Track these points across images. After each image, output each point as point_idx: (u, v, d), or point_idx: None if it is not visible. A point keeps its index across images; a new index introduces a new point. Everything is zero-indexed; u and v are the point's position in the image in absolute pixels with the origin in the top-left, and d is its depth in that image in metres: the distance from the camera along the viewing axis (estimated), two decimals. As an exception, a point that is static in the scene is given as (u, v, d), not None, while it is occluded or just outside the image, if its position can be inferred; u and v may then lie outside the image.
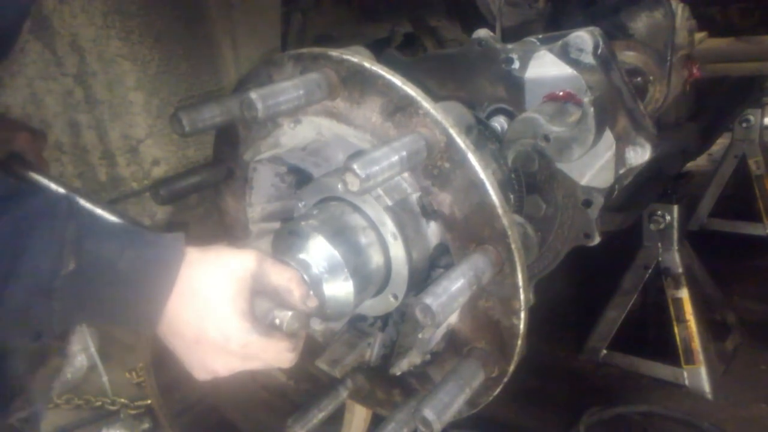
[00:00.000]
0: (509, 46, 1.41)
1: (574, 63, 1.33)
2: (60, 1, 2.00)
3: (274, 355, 1.11)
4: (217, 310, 1.07)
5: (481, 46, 1.43)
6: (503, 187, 1.37)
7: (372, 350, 1.37)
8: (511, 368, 1.20)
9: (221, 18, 2.50)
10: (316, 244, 1.19)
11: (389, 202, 1.23)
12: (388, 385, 1.42)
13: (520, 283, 1.13)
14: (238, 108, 1.27)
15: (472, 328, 1.23)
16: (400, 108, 1.18)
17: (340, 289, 1.19)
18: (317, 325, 1.46)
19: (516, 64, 1.39)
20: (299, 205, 1.36)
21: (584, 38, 1.33)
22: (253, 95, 1.12)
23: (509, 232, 1.12)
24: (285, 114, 1.25)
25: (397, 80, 1.18)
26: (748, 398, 3.40)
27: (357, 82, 1.22)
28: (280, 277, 1.15)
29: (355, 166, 1.02)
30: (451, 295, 1.04)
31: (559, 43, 1.36)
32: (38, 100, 1.99)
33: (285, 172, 1.48)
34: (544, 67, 1.36)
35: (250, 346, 1.08)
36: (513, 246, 1.12)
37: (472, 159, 1.13)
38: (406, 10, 3.35)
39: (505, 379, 1.22)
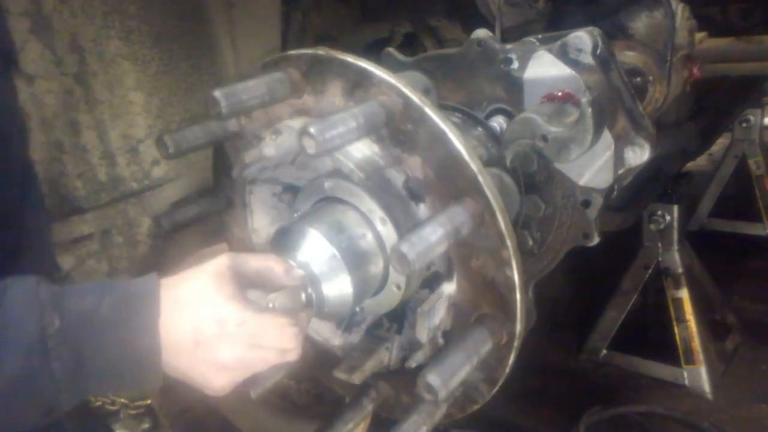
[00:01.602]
0: (508, 46, 1.41)
1: (572, 63, 1.33)
2: (60, 1, 2.00)
3: (276, 333, 1.08)
4: (204, 304, 1.07)
5: (480, 46, 1.43)
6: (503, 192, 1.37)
7: (390, 353, 1.36)
8: (518, 328, 1.16)
9: (221, 18, 2.50)
10: (312, 241, 1.19)
11: (361, 175, 1.22)
12: (411, 386, 1.39)
13: (503, 228, 1.11)
14: (220, 129, 1.37)
15: (471, 294, 1.21)
16: (357, 84, 1.21)
17: (339, 284, 1.19)
18: (336, 340, 1.44)
19: (515, 65, 1.39)
20: (294, 216, 1.37)
21: (583, 38, 1.33)
22: (217, 93, 1.16)
23: (479, 177, 1.11)
24: (250, 111, 1.29)
25: (350, 58, 1.21)
26: (748, 398, 3.40)
27: (317, 72, 1.26)
28: (258, 261, 1.15)
29: (311, 129, 1.05)
30: (427, 243, 1.02)
31: (558, 43, 1.36)
32: (38, 100, 1.99)
33: (281, 192, 1.48)
34: (543, 68, 1.36)
35: (248, 324, 1.06)
36: (487, 191, 1.10)
37: (430, 112, 1.14)
38: (406, 10, 3.35)
39: (516, 343, 1.17)
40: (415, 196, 1.24)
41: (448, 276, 1.24)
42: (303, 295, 1.17)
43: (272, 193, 1.48)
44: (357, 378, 1.34)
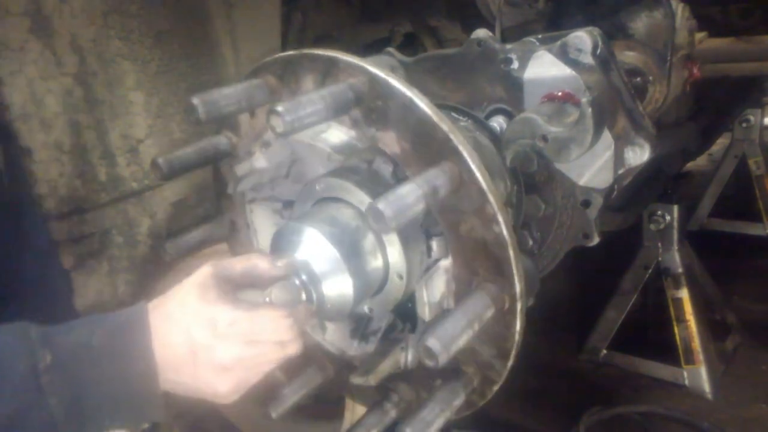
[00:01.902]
0: (508, 46, 1.41)
1: (572, 63, 1.33)
2: (60, 1, 2.00)
3: (270, 325, 1.08)
4: (191, 313, 1.06)
5: (480, 46, 1.43)
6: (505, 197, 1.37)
7: (406, 353, 1.35)
8: (517, 288, 1.13)
9: (221, 18, 2.50)
10: (310, 240, 1.18)
11: (339, 157, 1.24)
12: (428, 380, 1.37)
13: (483, 184, 1.10)
14: (212, 148, 1.40)
15: (465, 261, 1.19)
16: (327, 73, 1.23)
17: (340, 282, 1.18)
18: (352, 351, 1.43)
19: (515, 65, 1.39)
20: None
21: (583, 38, 1.33)
22: (195, 100, 1.18)
23: (452, 137, 1.10)
24: (228, 117, 1.31)
25: (317, 51, 1.23)
26: (748, 398, 3.40)
27: (290, 72, 1.28)
28: (241, 262, 1.16)
29: (279, 108, 1.06)
30: (404, 202, 1.02)
31: (558, 43, 1.35)
32: (38, 100, 1.99)
33: (281, 208, 1.48)
34: (543, 68, 1.36)
35: (239, 323, 1.06)
36: (461, 149, 1.10)
37: (395, 83, 1.14)
38: (406, 10, 3.35)
39: (519, 306, 1.14)
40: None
41: (444, 254, 1.23)
42: (298, 283, 1.16)
43: (273, 210, 1.49)
44: (372, 379, 1.32)
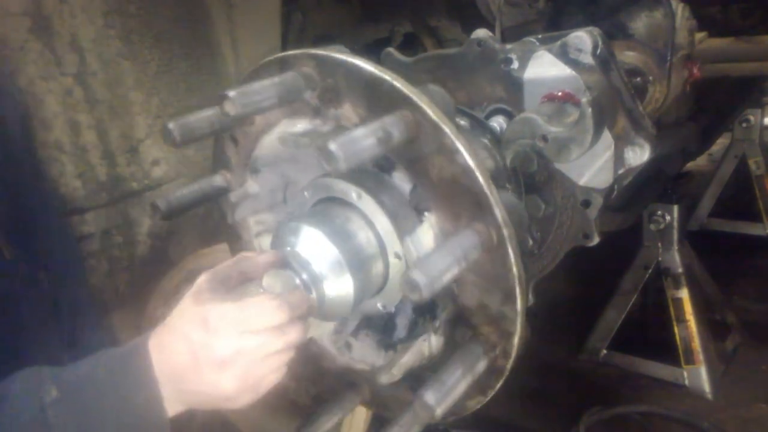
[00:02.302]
0: (508, 46, 1.41)
1: (573, 63, 1.33)
2: (60, 1, 2.00)
3: (263, 311, 1.06)
4: (186, 319, 1.07)
5: (480, 46, 1.42)
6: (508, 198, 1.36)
7: (429, 342, 1.33)
8: (498, 216, 1.08)
9: (221, 18, 2.50)
10: (309, 239, 1.18)
11: (306, 140, 1.25)
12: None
13: (435, 119, 1.08)
14: (208, 187, 1.43)
15: (446, 208, 1.16)
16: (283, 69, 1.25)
17: (340, 282, 1.18)
18: (381, 360, 1.40)
19: (515, 65, 1.38)
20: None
21: (583, 38, 1.33)
22: (171, 125, 1.21)
23: (396, 84, 1.10)
24: (202, 138, 1.32)
25: (271, 57, 1.27)
26: (748, 398, 3.40)
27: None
28: (234, 262, 1.16)
29: (229, 93, 1.08)
30: (358, 145, 1.01)
31: (558, 43, 1.35)
32: (38, 100, 1.99)
33: None
34: (543, 68, 1.35)
35: (229, 314, 1.05)
36: (405, 91, 1.09)
37: (335, 54, 1.16)
38: (406, 10, 3.36)
39: (506, 233, 1.09)
40: (385, 168, 1.25)
41: (426, 209, 1.21)
42: (295, 278, 1.15)
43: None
44: (397, 371, 1.30)
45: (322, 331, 1.42)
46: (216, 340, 1.05)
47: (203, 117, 1.28)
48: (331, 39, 3.16)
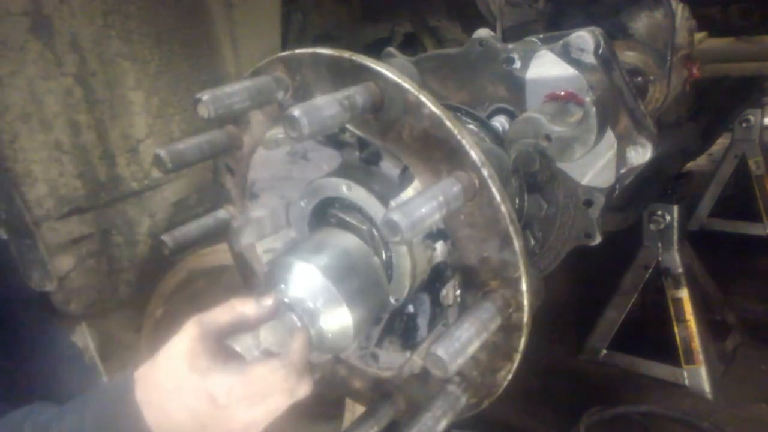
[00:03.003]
0: (510, 45, 1.41)
1: (575, 63, 1.33)
2: (60, 1, 2.00)
3: (270, 379, 1.03)
4: (188, 388, 1.02)
5: (482, 46, 1.42)
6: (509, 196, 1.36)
7: (447, 322, 1.32)
8: (474, 156, 1.07)
9: (221, 18, 2.50)
10: (302, 274, 1.16)
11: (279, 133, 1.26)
12: None
13: (390, 75, 1.08)
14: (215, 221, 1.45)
15: (425, 168, 1.14)
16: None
17: (337, 316, 1.16)
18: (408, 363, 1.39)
19: (517, 64, 1.38)
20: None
21: (585, 38, 1.33)
22: (161, 152, 1.23)
23: (345, 55, 1.12)
24: (193, 164, 1.33)
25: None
26: (748, 398, 3.40)
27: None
28: (226, 312, 1.12)
29: (203, 97, 1.10)
30: (320, 114, 1.02)
31: (560, 42, 1.35)
32: (38, 99, 1.98)
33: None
34: (545, 67, 1.35)
35: (237, 389, 1.02)
36: (363, 61, 1.10)
37: (298, 51, 1.17)
38: (406, 10, 3.35)
39: (485, 173, 1.07)
40: (372, 161, 1.26)
41: (408, 178, 1.20)
42: (294, 318, 1.13)
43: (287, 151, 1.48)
44: (419, 356, 1.30)
45: (348, 351, 1.39)
46: (227, 415, 1.02)
47: (194, 143, 1.30)
48: (331, 39, 3.16)
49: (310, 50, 1.17)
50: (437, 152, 1.10)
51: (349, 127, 1.17)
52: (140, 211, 2.33)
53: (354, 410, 2.49)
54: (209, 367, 1.03)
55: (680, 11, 1.87)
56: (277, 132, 1.33)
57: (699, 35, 2.06)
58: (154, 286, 2.47)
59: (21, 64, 1.93)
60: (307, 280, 1.15)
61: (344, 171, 1.26)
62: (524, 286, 1.11)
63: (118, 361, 3.24)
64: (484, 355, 1.20)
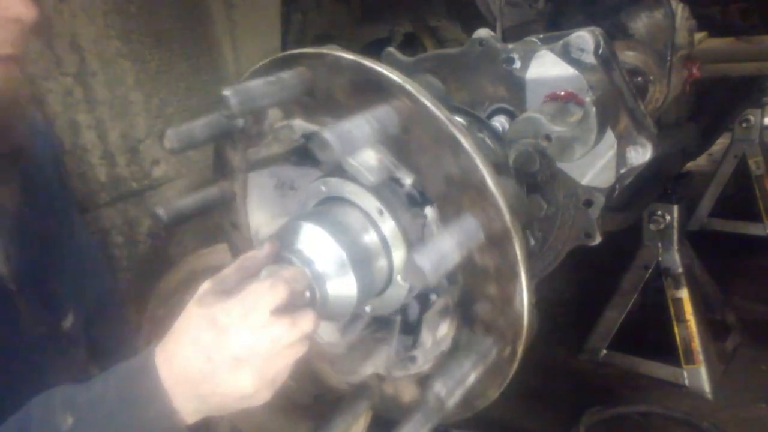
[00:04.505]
0: (510, 45, 1.41)
1: (575, 63, 1.33)
2: (60, 1, 2.00)
3: (264, 294, 1.04)
4: (193, 324, 1.05)
5: (482, 46, 1.42)
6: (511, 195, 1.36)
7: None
8: (484, 174, 1.07)
9: (221, 18, 2.50)
10: (314, 238, 1.17)
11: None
12: None
13: (429, 105, 1.05)
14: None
15: (446, 195, 1.14)
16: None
17: (343, 283, 1.17)
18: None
19: (517, 64, 1.38)
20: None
21: (585, 38, 1.33)
22: (167, 135, 1.19)
23: (306, 51, 1.12)
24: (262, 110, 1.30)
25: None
26: (748, 398, 3.40)
27: None
28: (233, 265, 1.13)
29: (226, 92, 1.06)
30: (350, 135, 1.00)
31: (560, 42, 1.35)
32: (38, 99, 1.98)
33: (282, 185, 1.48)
34: (545, 67, 1.35)
35: (234, 308, 1.04)
36: (391, 76, 1.07)
37: (324, 50, 1.14)
38: (406, 10, 3.36)
39: (501, 203, 1.06)
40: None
41: (423, 201, 1.18)
42: (295, 261, 1.13)
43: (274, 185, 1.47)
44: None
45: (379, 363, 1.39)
46: (228, 338, 1.02)
47: (201, 123, 1.26)
48: (331, 39, 3.16)
49: (338, 53, 1.14)
50: (462, 188, 1.09)
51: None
52: (140, 211, 2.33)
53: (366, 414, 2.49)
54: (213, 300, 1.05)
55: (680, 11, 1.88)
56: (257, 151, 1.33)
57: (699, 35, 2.06)
58: (154, 286, 2.47)
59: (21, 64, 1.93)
60: (317, 243, 1.15)
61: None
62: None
63: (118, 361, 3.24)
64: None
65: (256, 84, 1.12)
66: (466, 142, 1.06)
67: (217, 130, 1.34)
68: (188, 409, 1.06)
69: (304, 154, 1.35)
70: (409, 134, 1.11)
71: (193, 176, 2.40)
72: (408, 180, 1.21)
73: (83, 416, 1.04)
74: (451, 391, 1.02)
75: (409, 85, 1.08)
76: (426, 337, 1.27)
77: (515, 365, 1.15)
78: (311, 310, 1.09)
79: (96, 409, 1.05)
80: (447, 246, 1.00)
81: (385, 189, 1.22)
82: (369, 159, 1.18)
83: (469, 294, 1.18)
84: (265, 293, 1.04)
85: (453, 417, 1.25)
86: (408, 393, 1.34)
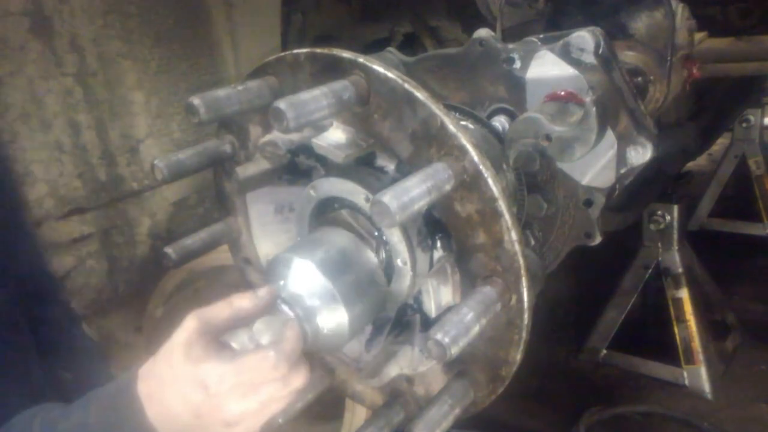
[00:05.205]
0: (510, 45, 1.41)
1: (575, 63, 1.33)
2: (60, 1, 2.00)
3: (261, 367, 1.03)
4: (180, 378, 1.03)
5: (482, 46, 1.42)
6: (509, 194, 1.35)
7: (413, 353, 1.34)
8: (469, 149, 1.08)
9: (221, 18, 2.50)
10: (303, 272, 1.15)
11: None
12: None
13: (379, 70, 1.08)
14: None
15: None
16: None
17: (334, 315, 1.16)
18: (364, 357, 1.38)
19: (517, 64, 1.38)
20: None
21: (585, 38, 1.33)
22: (157, 166, 1.23)
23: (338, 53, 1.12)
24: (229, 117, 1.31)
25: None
26: (748, 398, 3.40)
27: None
28: (224, 307, 1.11)
29: (194, 101, 1.10)
30: (306, 107, 1.02)
31: (560, 42, 1.35)
32: (38, 99, 1.99)
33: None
34: (546, 67, 1.35)
35: (228, 377, 1.02)
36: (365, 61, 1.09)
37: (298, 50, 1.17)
38: (406, 10, 3.36)
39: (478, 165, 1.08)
40: (367, 162, 1.25)
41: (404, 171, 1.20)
42: (286, 310, 1.12)
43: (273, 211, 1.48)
44: (377, 382, 1.30)
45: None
46: (219, 404, 1.03)
47: (191, 152, 1.29)
48: (331, 39, 3.16)
49: (287, 52, 1.17)
50: (426, 140, 1.10)
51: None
52: (140, 211, 2.33)
53: (354, 411, 2.49)
54: (202, 356, 1.03)
55: (680, 11, 1.87)
56: (245, 168, 1.33)
57: (699, 35, 2.06)
58: (154, 286, 2.47)
59: (21, 64, 1.93)
60: (305, 277, 1.14)
61: (342, 172, 1.25)
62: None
63: (118, 361, 3.24)
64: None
65: (223, 92, 1.14)
66: (420, 94, 1.08)
67: (206, 158, 1.36)
68: None
69: (295, 170, 1.35)
70: (369, 105, 1.13)
71: (192, 177, 2.40)
72: (391, 166, 1.21)
73: None
74: (454, 338, 1.00)
75: (360, 58, 1.11)
76: (430, 307, 1.26)
77: (526, 315, 1.13)
78: (304, 366, 1.09)
79: None
80: (412, 185, 1.00)
81: (370, 177, 1.22)
82: (336, 138, 1.20)
83: (463, 252, 1.17)
84: (266, 370, 1.03)
85: (485, 392, 1.25)
86: (438, 385, 1.32)
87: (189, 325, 1.06)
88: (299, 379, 1.07)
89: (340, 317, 1.15)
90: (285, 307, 1.13)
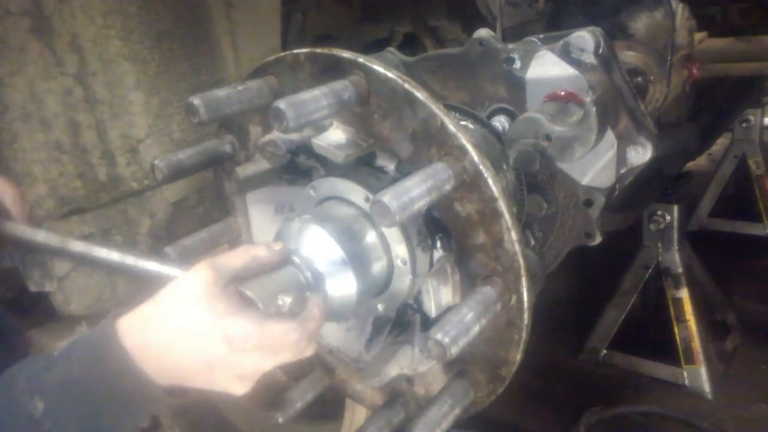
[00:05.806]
0: (510, 45, 1.41)
1: (575, 63, 1.33)
2: (60, 1, 2.00)
3: (286, 339, 1.05)
4: (205, 329, 1.03)
5: (482, 46, 1.42)
6: (509, 193, 1.35)
7: (413, 353, 1.34)
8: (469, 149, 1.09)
9: (221, 18, 2.50)
10: (315, 238, 1.17)
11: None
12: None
13: (385, 73, 1.09)
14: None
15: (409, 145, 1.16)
16: None
17: (343, 281, 1.17)
18: (365, 357, 1.40)
19: (517, 64, 1.39)
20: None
21: (585, 38, 1.33)
22: (157, 166, 1.25)
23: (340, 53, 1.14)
24: (229, 117, 1.31)
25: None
26: (748, 398, 3.40)
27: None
28: (239, 257, 1.11)
29: (194, 101, 1.12)
30: (305, 107, 1.04)
31: (561, 42, 1.35)
32: (38, 99, 1.98)
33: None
34: (546, 67, 1.36)
35: (254, 337, 1.03)
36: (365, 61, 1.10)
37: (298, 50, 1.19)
38: (406, 10, 3.36)
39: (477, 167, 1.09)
40: (368, 161, 1.26)
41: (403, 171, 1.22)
42: (302, 277, 1.14)
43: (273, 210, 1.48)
44: (377, 383, 1.31)
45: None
46: (239, 360, 1.04)
47: (190, 152, 1.29)
48: (331, 39, 3.16)
49: (287, 52, 1.17)
50: (426, 140, 1.11)
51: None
52: (140, 211, 2.33)
53: (354, 410, 2.49)
54: (226, 311, 1.04)
55: (680, 11, 1.88)
56: (245, 168, 1.33)
57: (699, 35, 2.06)
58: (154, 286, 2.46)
59: (21, 64, 1.93)
60: (318, 242, 1.16)
61: (342, 172, 1.25)
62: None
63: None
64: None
65: (223, 92, 1.16)
66: (420, 94, 1.08)
67: (206, 158, 1.36)
68: (173, 382, 1.08)
69: (295, 170, 1.36)
70: (369, 105, 1.13)
71: (192, 177, 2.40)
72: (391, 166, 1.22)
73: (52, 399, 1.03)
74: (454, 338, 1.01)
75: (360, 58, 1.12)
76: (430, 307, 1.26)
77: (526, 315, 1.14)
78: (315, 343, 1.12)
79: (64, 389, 1.04)
80: (412, 185, 1.02)
81: (370, 177, 1.22)
82: (336, 138, 1.20)
83: (463, 252, 1.18)
84: (291, 342, 1.06)
85: (485, 392, 1.25)
86: (438, 385, 1.33)
87: (203, 275, 1.06)
88: (310, 351, 1.11)
89: (349, 284, 1.16)
90: (297, 259, 1.15)
